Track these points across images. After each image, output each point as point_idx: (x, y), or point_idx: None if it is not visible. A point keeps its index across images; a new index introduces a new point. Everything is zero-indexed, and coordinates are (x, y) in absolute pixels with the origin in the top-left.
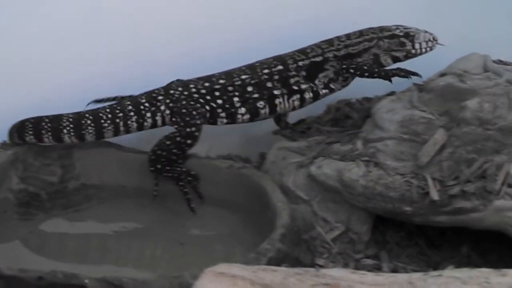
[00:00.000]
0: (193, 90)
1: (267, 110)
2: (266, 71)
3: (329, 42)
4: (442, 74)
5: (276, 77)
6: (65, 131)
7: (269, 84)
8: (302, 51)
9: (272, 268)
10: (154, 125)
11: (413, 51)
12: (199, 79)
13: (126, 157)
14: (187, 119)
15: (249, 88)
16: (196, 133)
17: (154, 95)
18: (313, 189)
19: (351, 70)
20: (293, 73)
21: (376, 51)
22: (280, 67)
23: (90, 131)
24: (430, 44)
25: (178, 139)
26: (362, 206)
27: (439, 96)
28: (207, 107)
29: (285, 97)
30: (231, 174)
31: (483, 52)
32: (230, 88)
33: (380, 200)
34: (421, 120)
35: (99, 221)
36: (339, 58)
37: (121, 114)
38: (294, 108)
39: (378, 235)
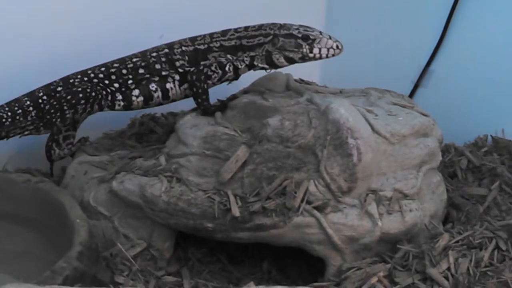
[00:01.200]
0: (92, 75)
1: (159, 93)
2: (154, 54)
3: (224, 32)
4: (245, 92)
5: (163, 59)
6: None
7: (157, 66)
8: (192, 38)
9: None
10: None
11: (311, 55)
12: (94, 67)
13: None
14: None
15: (141, 70)
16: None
17: (52, 87)
18: (115, 205)
19: (189, 80)
20: (178, 56)
21: (269, 48)
22: (166, 50)
23: None
24: (331, 51)
25: None
26: (164, 222)
27: (242, 113)
28: (105, 92)
29: (176, 83)
30: (28, 189)
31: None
32: (124, 71)
33: (182, 216)
34: (224, 136)
35: None
36: (225, 48)
37: (20, 111)
38: (186, 96)
39: (180, 251)
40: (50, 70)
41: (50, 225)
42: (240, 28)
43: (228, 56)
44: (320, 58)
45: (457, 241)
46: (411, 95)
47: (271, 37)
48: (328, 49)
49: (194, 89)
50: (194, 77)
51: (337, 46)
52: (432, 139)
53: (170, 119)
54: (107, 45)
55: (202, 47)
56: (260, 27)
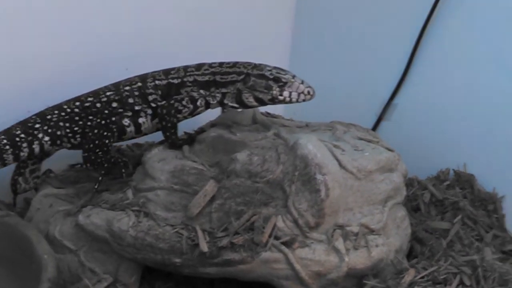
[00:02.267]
0: (68, 110)
1: (132, 128)
2: (127, 87)
3: (198, 66)
4: (213, 125)
5: (136, 93)
6: None
7: (130, 100)
8: (166, 71)
9: None
10: (31, 154)
11: (280, 97)
12: (68, 100)
13: None
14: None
15: (114, 104)
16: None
17: (30, 124)
18: (81, 239)
19: (159, 113)
20: (151, 90)
21: (240, 86)
22: (139, 83)
23: None
24: (302, 96)
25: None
26: (131, 257)
27: (210, 147)
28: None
29: (149, 117)
30: None
31: None
32: (98, 105)
33: (150, 251)
34: (192, 170)
35: None
36: (198, 83)
37: None
38: (157, 129)
39: (146, 285)
40: (19, 105)
41: (16, 260)
42: (215, 63)
43: (201, 91)
44: (290, 102)
45: (423, 277)
46: (375, 128)
47: (243, 75)
48: (299, 94)
49: (163, 123)
50: (165, 111)
51: (308, 92)
52: (397, 174)
53: (136, 151)
54: (73, 76)
55: (175, 81)
56: (235, 64)
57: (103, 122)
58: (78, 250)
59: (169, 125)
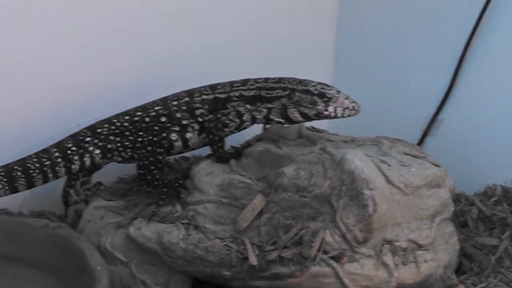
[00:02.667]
0: (118, 124)
1: (180, 143)
2: (175, 102)
3: (244, 81)
4: (259, 139)
5: (183, 107)
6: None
7: (178, 115)
8: (213, 86)
9: None
10: (82, 167)
11: (326, 112)
12: (117, 115)
13: None
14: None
15: (163, 119)
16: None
17: (80, 137)
18: (132, 251)
19: (206, 127)
20: (198, 105)
21: (285, 102)
22: (187, 98)
23: (22, 182)
24: (347, 111)
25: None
26: (181, 269)
27: (257, 161)
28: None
29: (196, 132)
30: (47, 234)
31: None
32: (147, 119)
33: (200, 264)
34: (240, 184)
35: None
36: (245, 98)
37: (48, 162)
38: (205, 144)
39: None
40: (70, 118)
41: (69, 271)
42: (260, 79)
43: (247, 105)
44: (335, 117)
45: None
46: (420, 143)
47: (288, 91)
48: (343, 109)
49: (211, 136)
50: (212, 124)
51: (353, 107)
52: (445, 189)
53: (183, 164)
54: (121, 90)
55: (222, 96)
56: (280, 80)
57: (155, 139)
58: (129, 262)
59: (216, 138)
